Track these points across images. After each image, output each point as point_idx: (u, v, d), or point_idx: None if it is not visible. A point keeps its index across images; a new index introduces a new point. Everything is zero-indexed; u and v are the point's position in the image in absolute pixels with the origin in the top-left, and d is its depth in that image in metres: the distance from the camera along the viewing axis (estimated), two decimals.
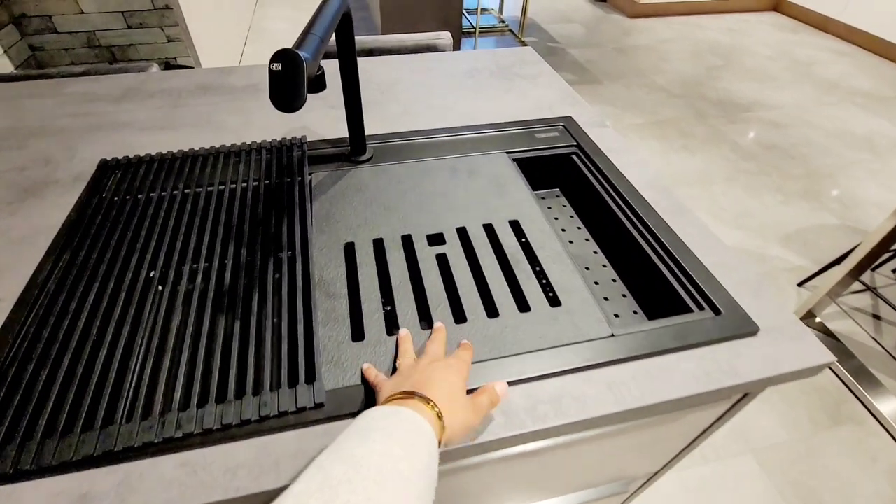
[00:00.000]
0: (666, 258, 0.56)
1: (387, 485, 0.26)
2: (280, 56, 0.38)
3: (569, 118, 0.75)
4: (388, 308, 0.49)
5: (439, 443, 0.33)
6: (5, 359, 0.40)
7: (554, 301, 0.50)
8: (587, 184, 0.67)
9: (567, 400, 0.42)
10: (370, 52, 1.02)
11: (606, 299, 0.61)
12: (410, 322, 0.47)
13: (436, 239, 0.55)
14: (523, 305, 0.50)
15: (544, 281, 0.53)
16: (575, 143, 0.70)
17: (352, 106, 0.59)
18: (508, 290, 0.51)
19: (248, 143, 0.65)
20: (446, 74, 0.87)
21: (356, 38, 1.00)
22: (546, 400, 0.42)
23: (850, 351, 1.36)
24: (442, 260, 0.53)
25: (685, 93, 2.47)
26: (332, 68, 0.84)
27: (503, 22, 3.13)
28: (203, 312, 0.44)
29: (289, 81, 0.38)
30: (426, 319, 0.48)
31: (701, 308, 0.51)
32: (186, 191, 0.57)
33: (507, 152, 0.68)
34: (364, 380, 0.41)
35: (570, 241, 0.67)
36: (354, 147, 0.64)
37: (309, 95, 0.40)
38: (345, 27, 0.53)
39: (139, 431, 0.36)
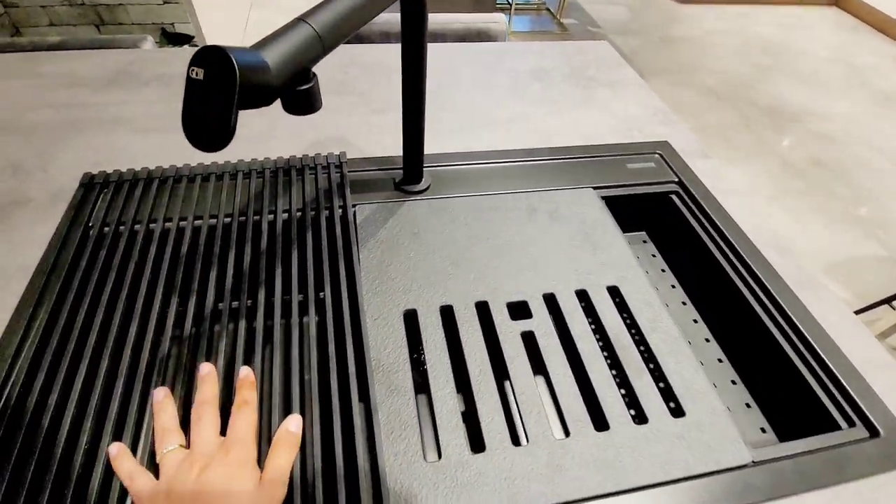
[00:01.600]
0: (803, 349, 0.47)
1: None
2: (204, 56, 0.24)
3: (665, 144, 0.65)
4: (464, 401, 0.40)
5: None
6: None
7: (675, 408, 0.41)
8: (691, 234, 0.57)
9: None
10: None
11: (714, 385, 0.52)
12: (498, 435, 0.37)
13: (519, 309, 0.46)
14: (638, 414, 0.41)
15: (651, 365, 0.44)
16: (676, 180, 0.61)
17: (412, 118, 0.48)
18: (617, 389, 0.42)
19: (273, 158, 0.54)
20: (509, 75, 0.76)
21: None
22: None
23: None
24: (529, 339, 0.44)
25: (732, 95, 2.37)
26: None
27: None
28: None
29: (214, 100, 0.24)
30: (513, 432, 0.39)
31: (851, 423, 0.43)
32: (197, 222, 0.46)
33: (595, 188, 0.58)
34: None
35: (665, 305, 0.58)
36: (409, 173, 0.53)
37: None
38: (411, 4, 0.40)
39: None
